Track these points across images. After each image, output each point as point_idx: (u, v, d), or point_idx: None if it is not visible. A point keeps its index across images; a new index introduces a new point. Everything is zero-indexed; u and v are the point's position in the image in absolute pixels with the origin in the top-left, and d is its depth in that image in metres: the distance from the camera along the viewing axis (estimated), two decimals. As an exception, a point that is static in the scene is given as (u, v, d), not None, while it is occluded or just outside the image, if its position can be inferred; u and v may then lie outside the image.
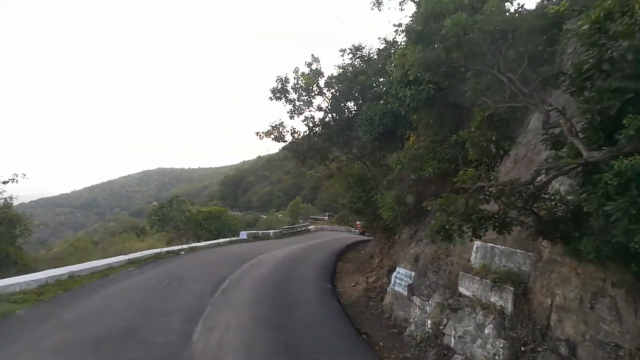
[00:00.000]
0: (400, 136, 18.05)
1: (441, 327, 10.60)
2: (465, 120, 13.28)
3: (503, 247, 9.60)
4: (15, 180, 25.48)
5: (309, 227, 50.60)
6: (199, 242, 31.73)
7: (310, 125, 24.19)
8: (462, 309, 9.93)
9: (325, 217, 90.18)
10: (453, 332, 10.14)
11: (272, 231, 38.76)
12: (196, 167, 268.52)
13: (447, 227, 6.79)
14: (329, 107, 22.57)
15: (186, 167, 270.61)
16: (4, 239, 23.84)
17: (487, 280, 9.48)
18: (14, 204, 26.93)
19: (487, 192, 7.05)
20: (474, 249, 10.48)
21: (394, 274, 15.59)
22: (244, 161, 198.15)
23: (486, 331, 8.98)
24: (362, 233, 74.44)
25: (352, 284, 20.47)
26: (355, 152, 22.40)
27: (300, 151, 24.61)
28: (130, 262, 18.58)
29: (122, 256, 19.28)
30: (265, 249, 27.96)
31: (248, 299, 14.01)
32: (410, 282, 13.79)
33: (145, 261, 19.36)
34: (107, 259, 18.56)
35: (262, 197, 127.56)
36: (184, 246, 23.93)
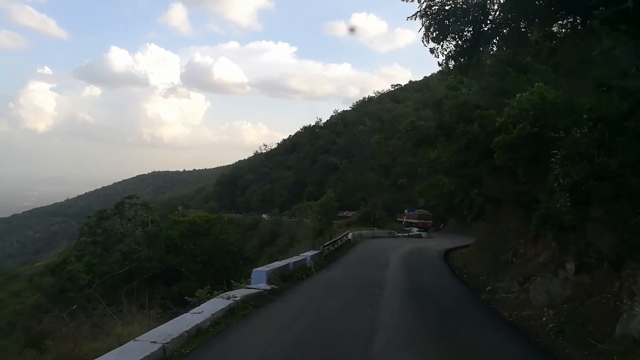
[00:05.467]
0: None
1: None
2: None
3: None
4: None
5: (348, 236, 31.12)
6: (158, 312, 12.54)
7: None
8: None
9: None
10: None
11: (308, 255, 19.07)
12: (191, 170, 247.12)
13: None
14: None
15: (181, 170, 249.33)
16: None
17: None
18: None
19: None
20: None
21: None
22: (239, 160, 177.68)
23: None
24: (423, 230, 53.88)
25: None
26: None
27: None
28: None
29: None
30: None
31: None
32: None
33: None
34: None
35: (262, 196, 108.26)
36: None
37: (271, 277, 14.19)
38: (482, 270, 21.61)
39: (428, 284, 16.18)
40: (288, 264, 16.20)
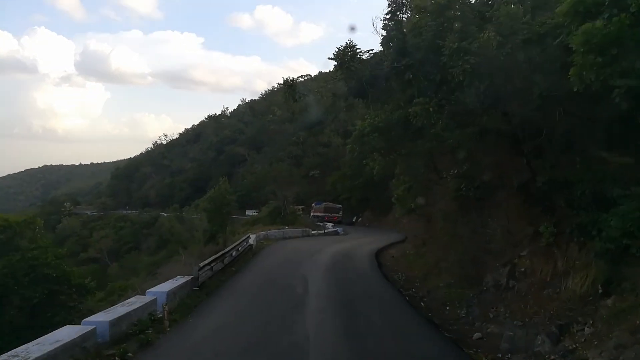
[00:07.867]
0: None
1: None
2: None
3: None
4: None
5: (249, 241, 22.34)
6: None
7: None
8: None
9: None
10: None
11: (162, 291, 9.94)
12: (88, 163, 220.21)
13: None
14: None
15: (77, 163, 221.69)
16: None
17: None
18: None
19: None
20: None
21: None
22: (140, 153, 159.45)
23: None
24: (332, 223, 46.50)
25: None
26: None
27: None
28: None
29: None
30: None
31: None
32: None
33: None
34: None
35: (161, 190, 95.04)
36: None
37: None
38: (442, 290, 14.16)
39: (391, 353, 8.02)
40: (93, 330, 7.02)
